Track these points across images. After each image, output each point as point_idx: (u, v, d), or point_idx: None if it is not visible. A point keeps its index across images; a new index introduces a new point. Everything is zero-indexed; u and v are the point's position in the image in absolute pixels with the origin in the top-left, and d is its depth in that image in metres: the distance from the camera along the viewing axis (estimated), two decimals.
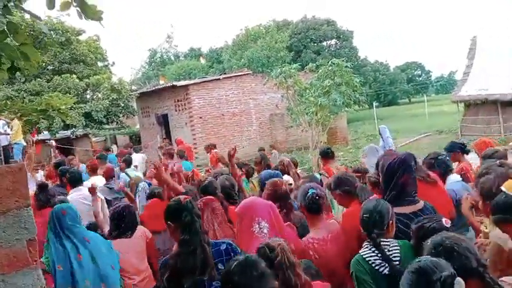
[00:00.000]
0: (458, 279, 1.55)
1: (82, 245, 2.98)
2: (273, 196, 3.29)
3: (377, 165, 3.12)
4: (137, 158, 10.75)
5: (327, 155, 5.27)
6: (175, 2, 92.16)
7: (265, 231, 2.69)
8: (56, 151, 15.31)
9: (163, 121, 20.16)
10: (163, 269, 2.43)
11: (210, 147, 11.77)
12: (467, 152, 4.77)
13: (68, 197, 4.86)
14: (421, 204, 2.76)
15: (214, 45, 45.25)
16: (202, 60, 33.32)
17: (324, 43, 38.70)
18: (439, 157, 4.02)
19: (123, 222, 3.58)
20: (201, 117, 18.52)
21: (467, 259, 1.74)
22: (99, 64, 23.41)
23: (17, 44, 2.30)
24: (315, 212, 3.00)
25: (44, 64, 19.78)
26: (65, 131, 19.76)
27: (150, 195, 4.92)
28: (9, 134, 10.72)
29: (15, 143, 11.35)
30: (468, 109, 18.09)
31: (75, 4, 2.38)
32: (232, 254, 2.47)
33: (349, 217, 3.05)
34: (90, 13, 2.43)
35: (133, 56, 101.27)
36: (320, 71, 14.95)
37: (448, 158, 4.16)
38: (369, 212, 2.43)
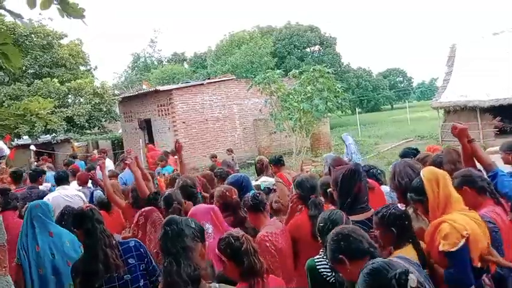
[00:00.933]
0: (411, 275, 1.60)
1: (43, 237, 3.38)
2: (222, 207, 3.45)
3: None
4: (109, 163, 10.67)
5: (278, 162, 5.50)
6: (159, 7, 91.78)
7: (209, 231, 2.99)
8: (36, 156, 15.02)
9: (146, 126, 20.00)
10: (74, 274, 2.69)
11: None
12: None
13: (53, 194, 5.25)
14: (371, 211, 2.89)
15: (198, 50, 45.17)
16: (186, 65, 33.18)
17: (308, 49, 39.02)
18: (371, 170, 4.22)
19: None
20: (184, 122, 18.43)
21: (360, 242, 2.12)
22: (81, 68, 23.07)
23: None
24: (257, 210, 3.22)
25: (24, 68, 19.41)
26: (46, 136, 19.38)
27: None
28: None
29: None
30: (448, 115, 18.42)
31: (55, 2, 2.33)
32: (141, 249, 2.83)
33: (293, 227, 3.20)
34: (71, 11, 2.38)
35: (116, 60, 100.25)
36: (303, 77, 15.06)
37: (379, 171, 4.35)
38: (324, 221, 2.57)
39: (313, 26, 39.20)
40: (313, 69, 14.96)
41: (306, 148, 15.53)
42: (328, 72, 14.95)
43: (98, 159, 10.04)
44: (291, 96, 14.76)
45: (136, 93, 20.19)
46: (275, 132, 18.35)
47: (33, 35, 19.70)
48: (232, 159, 11.16)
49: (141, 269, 2.78)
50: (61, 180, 5.50)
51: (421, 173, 2.66)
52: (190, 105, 18.63)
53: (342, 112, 22.26)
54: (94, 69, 24.37)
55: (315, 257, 2.60)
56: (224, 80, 19.97)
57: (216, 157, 11.41)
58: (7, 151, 12.65)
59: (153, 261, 2.86)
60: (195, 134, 18.63)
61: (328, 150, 18.47)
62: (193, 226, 2.23)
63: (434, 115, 21.52)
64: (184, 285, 1.98)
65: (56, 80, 18.70)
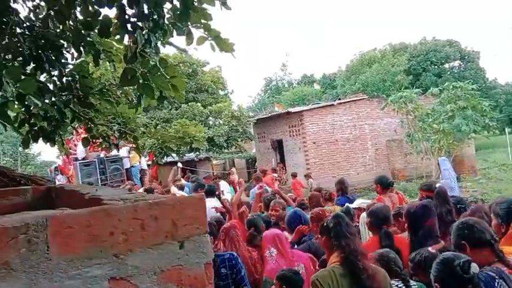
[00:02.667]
0: (474, 264, 2.08)
1: None
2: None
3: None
4: (224, 184, 11.22)
5: (384, 184, 5.29)
6: (289, 31, 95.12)
7: (273, 255, 3.54)
8: (182, 173, 16.66)
9: (278, 146, 20.68)
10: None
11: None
12: None
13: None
14: (441, 243, 3.15)
15: (327, 71, 45.41)
16: (317, 86, 33.58)
17: (446, 65, 36.21)
18: (457, 205, 4.09)
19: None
20: (314, 143, 18.56)
21: (483, 233, 2.34)
22: (220, 92, 25.06)
23: (168, 77, 2.60)
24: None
25: None
26: (190, 154, 21.42)
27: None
28: (128, 157, 12.52)
29: (132, 166, 13.58)
30: None
31: (210, 38, 2.60)
32: (233, 261, 3.36)
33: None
34: (224, 46, 2.64)
35: (249, 84, 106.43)
36: (442, 95, 14.02)
37: (464, 207, 4.19)
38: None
39: (452, 40, 36.36)
40: (453, 86, 13.84)
41: None
42: (472, 89, 13.67)
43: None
44: (429, 116, 13.83)
45: (270, 115, 21.09)
46: (410, 154, 17.30)
47: (181, 64, 22.13)
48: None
49: (232, 277, 3.32)
50: (210, 193, 6.47)
51: None
52: (321, 126, 18.71)
53: (489, 132, 20.01)
54: (231, 93, 26.27)
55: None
56: (355, 100, 19.63)
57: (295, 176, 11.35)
58: (144, 166, 14.60)
59: (242, 271, 3.36)
60: (325, 155, 18.59)
61: (474, 175, 16.71)
62: None
63: None
64: None
65: (199, 104, 20.65)
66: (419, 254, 2.78)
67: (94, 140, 3.38)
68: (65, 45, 2.96)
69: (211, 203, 5.94)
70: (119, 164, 13.04)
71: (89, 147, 12.32)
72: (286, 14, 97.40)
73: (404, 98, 13.88)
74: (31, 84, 1.61)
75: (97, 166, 12.54)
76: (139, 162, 13.94)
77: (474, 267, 2.06)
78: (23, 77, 1.84)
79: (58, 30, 2.78)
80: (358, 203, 5.24)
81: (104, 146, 3.37)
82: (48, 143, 3.19)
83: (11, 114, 2.53)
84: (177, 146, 3.91)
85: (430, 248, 2.82)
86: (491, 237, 2.32)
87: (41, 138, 3.05)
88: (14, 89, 1.50)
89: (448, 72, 35.03)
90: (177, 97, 2.92)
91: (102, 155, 12.52)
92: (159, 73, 2.31)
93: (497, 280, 2.15)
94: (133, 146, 3.34)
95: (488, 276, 2.15)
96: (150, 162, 15.25)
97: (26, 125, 2.82)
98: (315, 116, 18.71)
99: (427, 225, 3.16)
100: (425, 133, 14.27)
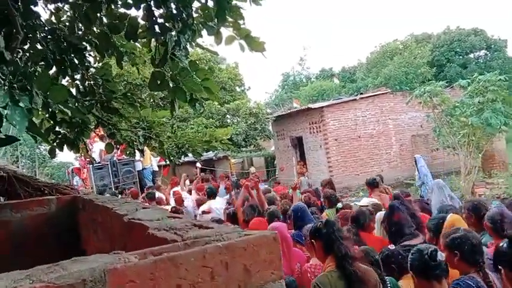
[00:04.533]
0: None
1: None
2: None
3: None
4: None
5: (371, 184, 6.71)
6: (306, 25, 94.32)
7: None
8: (200, 172, 16.68)
9: (298, 143, 20.51)
10: None
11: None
12: None
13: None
14: (421, 237, 3.62)
15: (347, 64, 44.81)
16: (336, 81, 33.19)
17: (471, 55, 35.35)
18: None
19: None
20: (336, 140, 18.33)
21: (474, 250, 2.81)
22: (237, 89, 24.96)
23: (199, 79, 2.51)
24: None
25: None
26: (208, 153, 21.46)
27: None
28: (140, 160, 12.66)
29: (144, 168, 13.64)
30: None
31: (238, 38, 2.49)
32: None
33: None
34: (254, 45, 2.53)
35: (266, 80, 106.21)
36: (469, 87, 13.62)
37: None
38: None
39: (477, 29, 35.44)
40: (478, 79, 13.43)
41: (477, 168, 13.87)
42: (500, 80, 13.23)
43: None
44: (457, 110, 13.46)
45: (289, 111, 20.92)
46: (437, 149, 16.92)
47: (197, 62, 22.12)
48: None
49: None
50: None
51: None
52: (342, 122, 18.47)
53: None
54: (248, 90, 26.16)
55: None
56: (378, 94, 19.30)
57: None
58: (155, 168, 14.71)
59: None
60: (348, 152, 18.35)
61: (505, 170, 16.24)
62: None
63: None
64: None
65: (216, 102, 20.63)
66: (382, 252, 3.27)
67: (118, 146, 3.33)
68: (88, 48, 2.91)
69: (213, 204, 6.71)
70: (131, 167, 13.16)
71: (102, 150, 12.60)
72: (292, 13, 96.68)
73: (429, 92, 13.52)
74: (62, 92, 1.55)
75: (110, 169, 12.71)
76: (151, 164, 14.08)
77: (440, 255, 2.53)
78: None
79: (80, 33, 2.72)
80: (365, 201, 5.89)
81: (128, 152, 3.31)
82: (72, 150, 3.15)
83: (36, 121, 2.48)
84: (203, 149, 3.82)
85: (391, 246, 3.36)
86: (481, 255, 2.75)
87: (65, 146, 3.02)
88: (42, 98, 1.43)
89: (474, 63, 34.21)
90: (212, 98, 2.85)
91: (114, 158, 12.68)
92: (189, 76, 2.23)
93: None
94: (158, 150, 3.28)
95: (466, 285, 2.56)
96: (162, 163, 15.32)
97: (51, 133, 2.78)
98: (336, 111, 18.48)
99: (395, 220, 3.69)
100: (453, 127, 13.90)
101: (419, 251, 2.57)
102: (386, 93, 19.43)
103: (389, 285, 3.00)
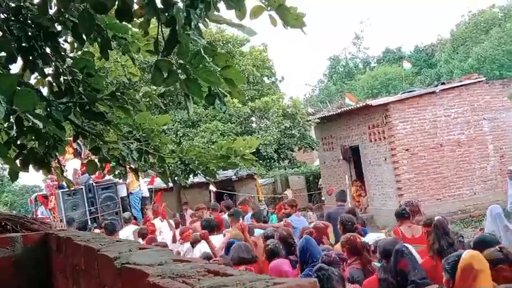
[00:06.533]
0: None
1: None
2: (349, 252, 5.48)
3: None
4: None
5: (400, 215, 7.38)
6: None
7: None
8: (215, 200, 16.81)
9: (353, 156, 20.42)
10: None
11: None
12: None
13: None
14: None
15: (422, 42, 44.40)
16: (406, 65, 32.95)
17: None
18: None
19: None
20: (407, 150, 18.19)
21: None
22: (266, 81, 25.05)
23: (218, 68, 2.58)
24: None
25: None
26: (226, 171, 21.59)
27: None
28: (124, 183, 13.01)
29: (130, 193, 14.27)
30: None
31: (268, 9, 2.49)
32: None
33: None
34: (290, 19, 2.54)
35: (307, 66, 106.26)
36: None
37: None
38: None
39: None
40: None
41: None
42: None
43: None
44: None
45: (339, 111, 20.92)
46: None
47: (208, 45, 22.40)
48: None
49: None
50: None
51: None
52: (416, 125, 18.31)
53: None
54: (280, 82, 26.29)
55: None
56: (467, 84, 19.04)
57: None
58: (145, 193, 15.05)
59: None
60: (424, 167, 18.15)
61: None
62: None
63: None
64: None
65: (235, 100, 20.78)
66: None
67: (103, 164, 3.43)
68: (62, 32, 3.02)
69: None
70: (112, 192, 13.44)
71: (78, 170, 12.91)
72: None
73: None
74: (31, 98, 1.63)
75: (85, 195, 12.98)
76: (139, 187, 14.35)
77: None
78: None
79: (53, 12, 2.84)
80: (372, 238, 6.64)
81: (117, 172, 3.41)
82: (41, 171, 3.27)
83: None
84: (219, 167, 3.87)
85: None
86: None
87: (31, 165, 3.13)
88: (5, 106, 1.51)
89: None
90: (235, 94, 2.91)
91: (91, 181, 12.95)
92: (205, 63, 2.30)
93: None
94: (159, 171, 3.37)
95: None
96: (154, 186, 15.57)
97: (12, 147, 2.88)
98: (407, 110, 18.35)
99: (400, 268, 4.40)
100: None
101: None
102: (479, 82, 19.16)
103: None
